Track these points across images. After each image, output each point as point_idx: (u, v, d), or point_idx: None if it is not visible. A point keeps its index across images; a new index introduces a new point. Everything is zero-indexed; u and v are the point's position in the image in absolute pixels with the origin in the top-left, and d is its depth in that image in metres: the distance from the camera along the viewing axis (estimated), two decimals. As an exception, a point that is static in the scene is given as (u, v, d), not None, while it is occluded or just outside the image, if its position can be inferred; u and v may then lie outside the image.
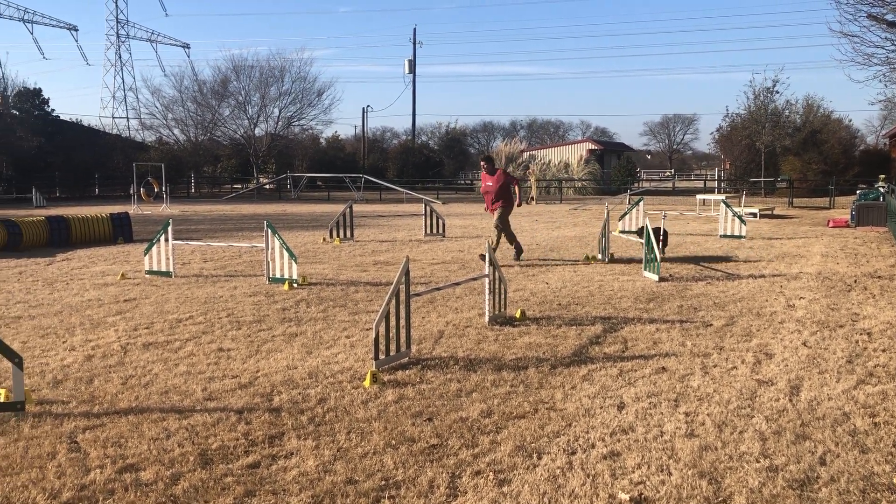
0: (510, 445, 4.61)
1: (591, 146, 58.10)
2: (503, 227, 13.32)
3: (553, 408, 5.34)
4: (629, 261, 13.53)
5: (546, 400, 5.52)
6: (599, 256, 13.76)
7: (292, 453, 4.49)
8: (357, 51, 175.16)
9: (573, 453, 4.50)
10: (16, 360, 5.09)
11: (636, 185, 48.62)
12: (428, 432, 4.83)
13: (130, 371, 6.27)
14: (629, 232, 17.50)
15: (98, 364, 6.49)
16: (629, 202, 24.38)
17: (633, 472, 4.25)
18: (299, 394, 5.64)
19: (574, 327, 7.92)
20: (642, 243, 12.11)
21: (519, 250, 13.63)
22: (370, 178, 45.31)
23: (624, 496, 3.91)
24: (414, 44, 65.40)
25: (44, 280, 11.49)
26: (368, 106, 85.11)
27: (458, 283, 8.94)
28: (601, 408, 5.33)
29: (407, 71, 65.72)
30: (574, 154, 55.44)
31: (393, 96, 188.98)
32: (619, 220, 18.46)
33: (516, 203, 13.67)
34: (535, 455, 4.47)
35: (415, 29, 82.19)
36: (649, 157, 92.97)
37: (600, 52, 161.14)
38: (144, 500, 3.85)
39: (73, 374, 6.15)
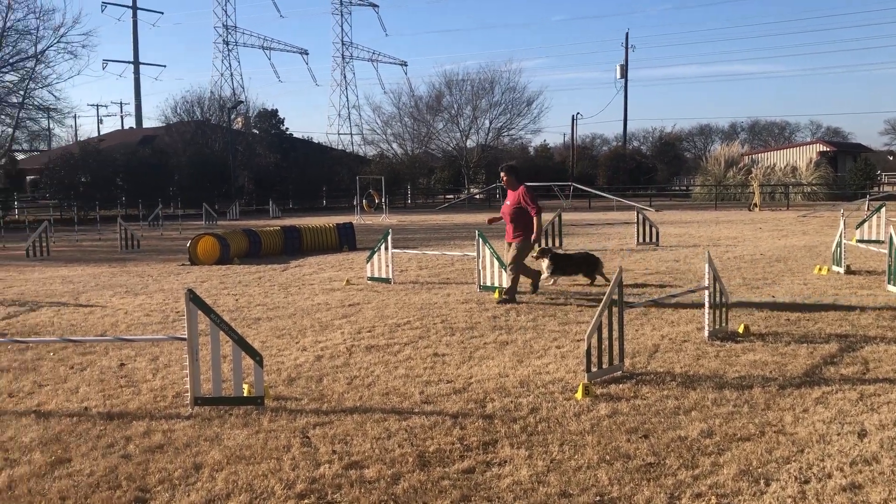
0: (734, 469, 4.33)
1: (823, 147, 53.50)
2: (516, 268, 10.23)
3: (782, 431, 4.94)
4: (869, 273, 12.27)
5: (774, 422, 5.13)
6: (834, 268, 12.61)
7: (506, 461, 4.53)
8: (566, 59, 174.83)
9: (806, 482, 4.14)
10: (257, 358, 5.59)
11: (876, 189, 44.06)
12: (644, 450, 4.67)
13: (355, 372, 6.65)
14: (870, 241, 15.88)
15: (326, 364, 6.95)
16: (869, 208, 22.15)
17: (880, 509, 3.82)
18: (511, 402, 5.68)
19: (805, 345, 7.30)
20: (886, 254, 10.93)
21: (536, 280, 10.93)
22: (579, 186, 44.92)
23: (869, 535, 3.53)
24: (626, 48, 64.09)
25: (279, 285, 12.54)
26: (578, 113, 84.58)
27: (674, 295, 8.58)
28: (838, 434, 4.86)
29: (618, 76, 64.47)
30: (802, 157, 51.37)
31: (603, 102, 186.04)
32: (857, 228, 16.81)
33: (532, 237, 10.16)
34: (762, 481, 4.16)
35: (627, 33, 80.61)
36: (892, 157, 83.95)
37: (832, 47, 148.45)
38: (368, 497, 4.05)
39: (305, 373, 6.64)
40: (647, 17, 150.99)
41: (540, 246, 11.20)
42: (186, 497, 4.08)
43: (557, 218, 18.09)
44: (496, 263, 10.91)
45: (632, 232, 19.50)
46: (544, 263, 11.21)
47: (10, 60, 37.72)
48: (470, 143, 58.91)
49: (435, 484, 4.21)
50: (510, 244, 10.31)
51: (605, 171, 59.17)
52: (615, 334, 6.34)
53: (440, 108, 59.28)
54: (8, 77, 38.38)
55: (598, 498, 4.00)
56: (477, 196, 54.24)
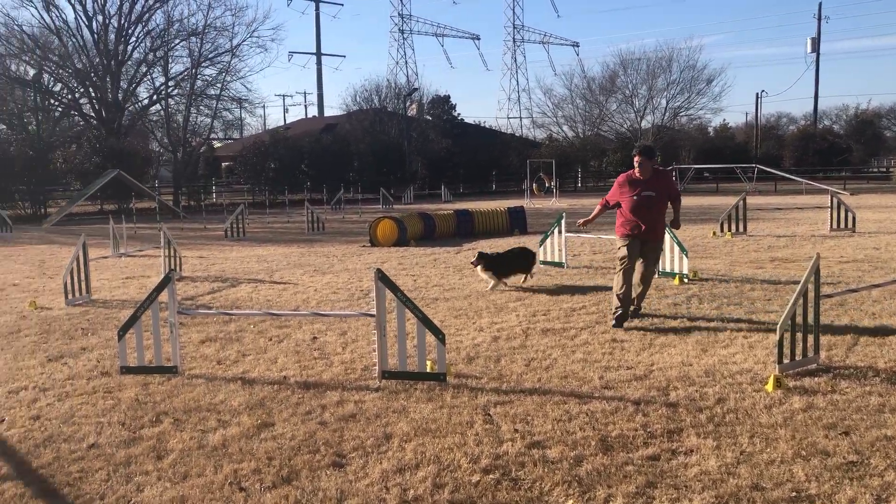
0: (952, 475, 3.96)
1: None
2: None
3: None
4: None
5: None
6: None
7: (692, 450, 4.41)
8: (751, 33, 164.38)
9: None
10: (440, 336, 5.79)
11: None
12: (845, 447, 4.38)
13: (532, 354, 6.71)
14: None
15: (504, 345, 7.06)
16: None
17: None
18: (696, 391, 5.51)
19: None
20: None
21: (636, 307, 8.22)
22: (764, 168, 42.36)
23: None
24: (819, 19, 59.45)
25: (454, 267, 12.84)
26: (763, 91, 79.58)
27: (877, 286, 7.94)
28: None
29: (809, 50, 60.04)
30: None
31: (790, 79, 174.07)
32: None
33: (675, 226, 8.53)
34: None
35: (820, 3, 74.46)
36: None
37: None
38: (552, 477, 4.09)
39: (483, 353, 6.78)
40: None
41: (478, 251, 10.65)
42: (379, 465, 4.32)
43: (741, 202, 17.20)
44: (676, 248, 10.57)
45: (824, 217, 18.18)
46: (482, 272, 10.32)
47: (210, 55, 41.06)
48: (645, 124, 57.21)
49: (619, 469, 4.18)
50: (646, 241, 8.00)
51: (791, 152, 55.40)
52: (810, 324, 5.96)
53: (614, 88, 57.99)
54: (207, 71, 41.81)
55: (794, 494, 3.80)
56: (651, 179, 52.58)
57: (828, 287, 8.72)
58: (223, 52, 41.21)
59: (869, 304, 8.43)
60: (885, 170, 56.06)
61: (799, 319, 5.87)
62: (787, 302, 5.91)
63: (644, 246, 8.00)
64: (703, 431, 4.70)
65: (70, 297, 9.88)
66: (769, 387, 5.48)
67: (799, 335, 5.89)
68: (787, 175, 41.71)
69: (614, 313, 7.74)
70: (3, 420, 5.26)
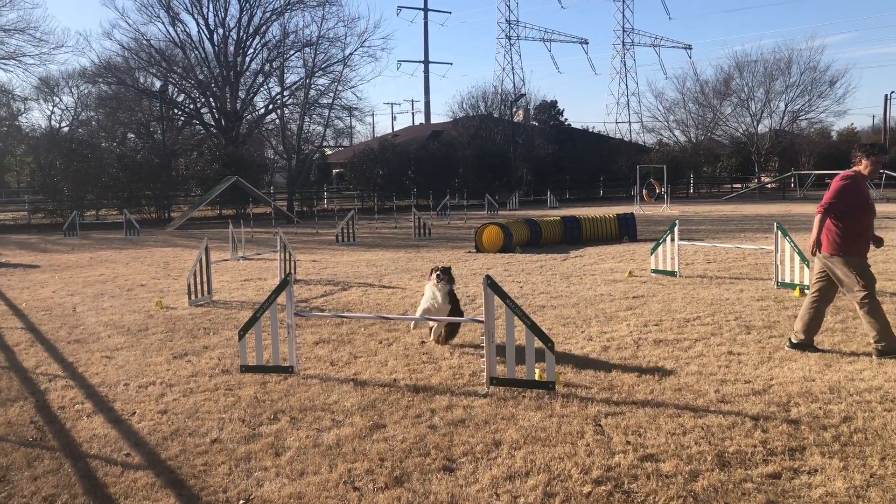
0: None
1: None
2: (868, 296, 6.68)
3: None
4: None
5: None
6: None
7: (816, 470, 4.20)
8: (877, 31, 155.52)
9: None
10: (549, 343, 5.74)
11: None
12: None
13: (644, 364, 6.56)
14: None
15: (614, 355, 6.94)
16: None
17: None
18: (820, 408, 5.25)
19: None
20: None
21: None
22: (892, 174, 39.89)
23: None
24: (955, 14, 55.45)
25: (560, 274, 12.72)
26: (892, 92, 74.81)
27: None
28: None
29: (944, 47, 56.07)
30: None
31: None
32: None
33: (809, 243, 7.08)
34: None
35: (956, -4, 69.47)
36: None
37: None
38: (666, 491, 3.99)
39: (593, 362, 6.69)
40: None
41: None
42: (489, 471, 4.33)
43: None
44: (797, 258, 10.10)
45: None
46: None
47: (323, 66, 42.37)
48: (761, 129, 54.96)
49: (737, 486, 4.03)
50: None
51: (923, 157, 51.82)
52: (949, 342, 5.57)
53: (728, 91, 56.03)
54: (320, 81, 43.15)
55: (932, 523, 3.57)
56: (769, 185, 50.46)
57: (967, 301, 8.12)
58: (335, 62, 42.46)
59: None
60: None
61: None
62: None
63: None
64: (828, 451, 4.47)
65: (193, 297, 10.40)
66: (902, 407, 5.16)
67: (936, 353, 5.51)
68: (919, 181, 39.09)
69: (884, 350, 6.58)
70: (135, 413, 5.60)
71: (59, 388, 6.29)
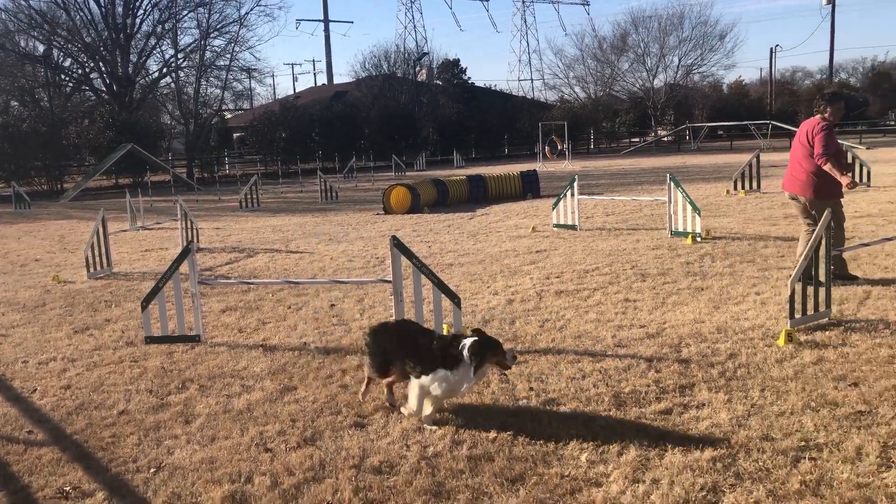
0: (958, 422, 4.06)
1: None
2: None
3: None
4: None
5: None
6: None
7: (703, 404, 4.52)
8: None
9: None
10: (455, 300, 5.89)
11: None
12: (854, 398, 4.47)
13: (546, 315, 6.82)
14: None
15: (518, 308, 7.18)
16: None
17: None
18: (708, 347, 5.61)
19: None
20: None
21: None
22: (778, 124, 41.96)
23: None
24: (833, -31, 58.14)
25: (468, 232, 12.93)
26: (777, 45, 78.19)
27: (889, 239, 7.97)
28: None
29: (824, 2, 58.88)
30: None
31: (805, 32, 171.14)
32: None
33: (845, 181, 7.28)
34: None
35: (834, -48, 72.78)
36: None
37: None
38: (567, 431, 4.21)
39: (498, 315, 6.90)
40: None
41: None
42: (399, 424, 4.46)
43: (755, 159, 17.13)
44: (689, 207, 10.60)
45: (838, 172, 18.05)
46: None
47: (218, 26, 40.89)
48: (657, 83, 56.65)
49: (632, 422, 4.30)
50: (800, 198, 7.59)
51: (807, 108, 54.53)
52: (822, 280, 6.03)
53: (625, 47, 57.38)
54: (216, 42, 41.68)
55: (802, 443, 3.91)
56: (665, 139, 52.17)
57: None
58: (231, 23, 41.06)
59: (882, 258, 8.47)
60: (901, 123, 55.33)
61: (813, 275, 5.94)
62: (800, 258, 5.96)
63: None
64: (714, 386, 4.81)
65: (92, 270, 10.07)
66: (780, 341, 5.58)
67: (810, 290, 5.96)
68: (803, 131, 41.23)
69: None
70: (35, 390, 5.45)
71: (-50, 370, 6.04)
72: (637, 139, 54.76)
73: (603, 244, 10.70)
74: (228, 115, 57.10)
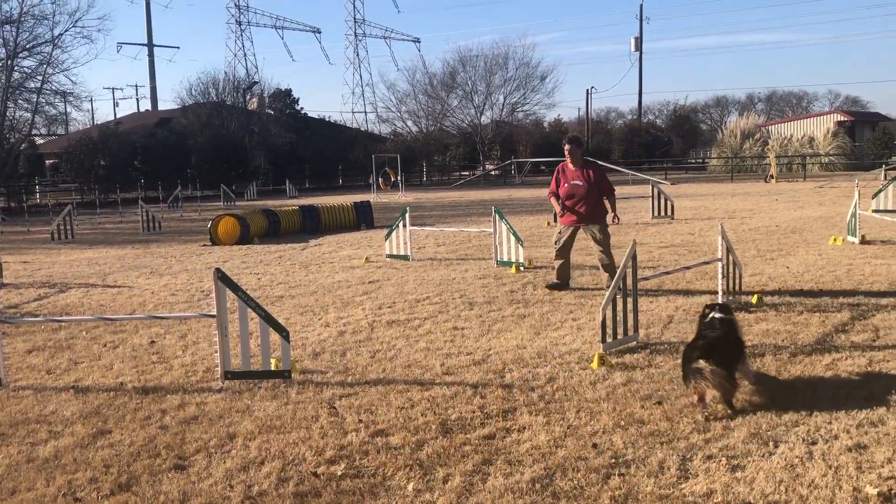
0: (744, 432, 4.50)
1: (840, 117, 53.01)
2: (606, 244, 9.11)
3: (791, 396, 5.11)
4: (884, 243, 12.32)
5: (784, 388, 5.29)
6: (849, 238, 12.67)
7: (525, 427, 4.73)
8: (581, 32, 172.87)
9: (813, 443, 4.31)
10: (283, 333, 5.81)
11: (894, 158, 43.64)
12: (658, 415, 4.85)
13: (377, 346, 6.87)
14: (886, 211, 15.87)
15: (349, 339, 7.18)
16: (885, 178, 22.05)
17: (883, 466, 3.99)
18: (529, 372, 5.88)
19: (817, 314, 7.44)
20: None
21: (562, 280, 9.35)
22: (594, 161, 44.75)
23: (871, 490, 3.70)
24: (640, 20, 63.55)
25: (300, 263, 12.78)
26: (592, 87, 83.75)
27: (688, 267, 8.73)
28: (846, 398, 5.01)
29: (633, 49, 64.02)
30: (820, 127, 50.99)
31: (618, 76, 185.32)
32: (874, 198, 16.76)
33: (611, 219, 9.11)
34: (770, 443, 4.34)
35: (641, 4, 79.23)
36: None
37: (857, 14, 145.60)
38: (394, 462, 4.26)
39: (329, 348, 6.86)
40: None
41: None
42: (223, 464, 4.32)
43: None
44: (513, 239, 11.08)
45: (647, 206, 19.55)
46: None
47: (28, 45, 38.02)
48: (485, 120, 58.85)
49: (457, 449, 4.42)
50: (574, 227, 9.13)
51: (620, 145, 59.02)
52: (630, 306, 6.50)
53: (454, 84, 59.19)
54: (26, 62, 38.70)
55: (612, 460, 4.19)
56: (493, 172, 54.21)
57: (647, 270, 9.47)
58: (43, 43, 38.27)
59: (683, 284, 9.26)
60: (701, 161, 60.80)
61: (620, 302, 6.40)
62: (611, 286, 6.42)
63: (585, 233, 9.15)
64: (534, 409, 5.05)
65: None
66: (594, 364, 5.94)
67: (620, 316, 6.41)
68: (616, 167, 44.36)
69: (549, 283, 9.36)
70: None
71: None
72: (467, 172, 56.54)
73: (434, 274, 10.94)
74: (40, 141, 53.12)
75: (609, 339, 6.29)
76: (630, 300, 6.50)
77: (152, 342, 7.33)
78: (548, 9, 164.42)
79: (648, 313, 7.67)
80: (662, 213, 18.48)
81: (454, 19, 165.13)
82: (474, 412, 5.02)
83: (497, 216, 11.42)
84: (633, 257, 6.50)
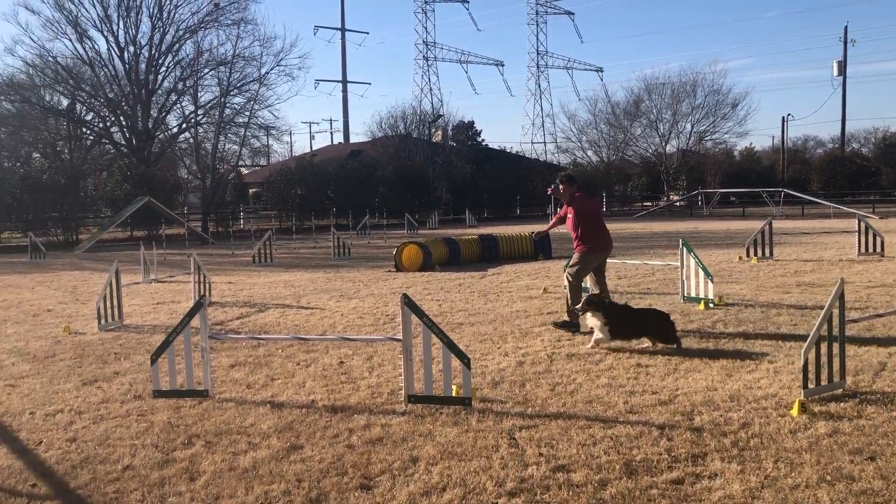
0: (979, 501, 3.96)
1: None
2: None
3: None
4: None
5: None
6: None
7: (716, 474, 4.44)
8: (776, 57, 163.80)
9: None
10: (465, 360, 5.87)
11: None
12: (870, 472, 4.38)
13: (557, 379, 6.76)
14: None
15: (528, 370, 7.12)
16: None
17: None
18: (721, 416, 5.53)
19: None
20: None
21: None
22: (790, 192, 42.08)
23: None
24: (844, 43, 59.19)
25: (479, 291, 12.92)
26: (789, 114, 79.01)
27: (903, 310, 7.90)
28: None
29: (836, 73, 59.69)
30: None
31: (817, 102, 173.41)
32: None
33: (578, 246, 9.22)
34: None
35: (846, 26, 74.12)
36: None
37: None
38: (577, 500, 4.15)
39: (508, 377, 6.84)
40: (870, 5, 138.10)
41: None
42: (406, 487, 4.39)
43: (768, 226, 17.13)
44: (701, 273, 10.57)
45: (852, 241, 18.00)
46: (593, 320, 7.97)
47: (238, 84, 41.77)
48: (670, 149, 57.17)
49: (643, 492, 4.22)
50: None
51: (819, 176, 54.90)
52: (836, 350, 5.96)
53: (638, 113, 58.09)
54: (236, 99, 42.50)
55: (818, 519, 3.83)
56: (677, 203, 52.38)
57: (855, 312, 8.68)
58: (251, 81, 41.89)
59: (897, 329, 8.38)
60: (915, 193, 55.29)
61: (824, 345, 5.88)
62: (813, 327, 5.92)
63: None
64: (727, 456, 4.73)
65: (103, 322, 10.10)
66: (794, 412, 5.49)
67: (825, 360, 5.89)
68: (815, 199, 41.38)
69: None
70: (41, 442, 5.42)
71: (-43, 419, 6.03)
72: (649, 203, 54.97)
73: (614, 308, 10.64)
74: (245, 171, 57.85)
75: (811, 385, 5.79)
76: (836, 344, 5.96)
77: (341, 363, 7.67)
78: (740, 34, 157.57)
79: (857, 359, 7.00)
80: (871, 250, 16.92)
81: (639, 47, 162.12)
82: (661, 454, 4.78)
83: (685, 249, 10.96)
84: (841, 297, 5.96)
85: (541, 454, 4.85)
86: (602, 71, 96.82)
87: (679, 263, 11.13)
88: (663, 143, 57.14)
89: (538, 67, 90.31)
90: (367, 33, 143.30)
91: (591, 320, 7.96)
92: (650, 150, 58.37)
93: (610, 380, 6.66)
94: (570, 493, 4.22)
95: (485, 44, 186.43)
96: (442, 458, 4.82)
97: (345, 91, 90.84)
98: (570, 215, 9.24)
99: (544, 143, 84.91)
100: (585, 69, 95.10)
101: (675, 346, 7.77)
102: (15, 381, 7.31)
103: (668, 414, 5.63)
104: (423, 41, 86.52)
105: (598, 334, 7.91)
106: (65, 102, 43.28)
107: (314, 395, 6.48)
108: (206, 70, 42.32)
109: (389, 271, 17.05)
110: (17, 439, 5.50)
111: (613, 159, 59.25)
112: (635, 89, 59.67)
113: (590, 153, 61.47)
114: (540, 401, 6.08)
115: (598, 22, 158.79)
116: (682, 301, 10.91)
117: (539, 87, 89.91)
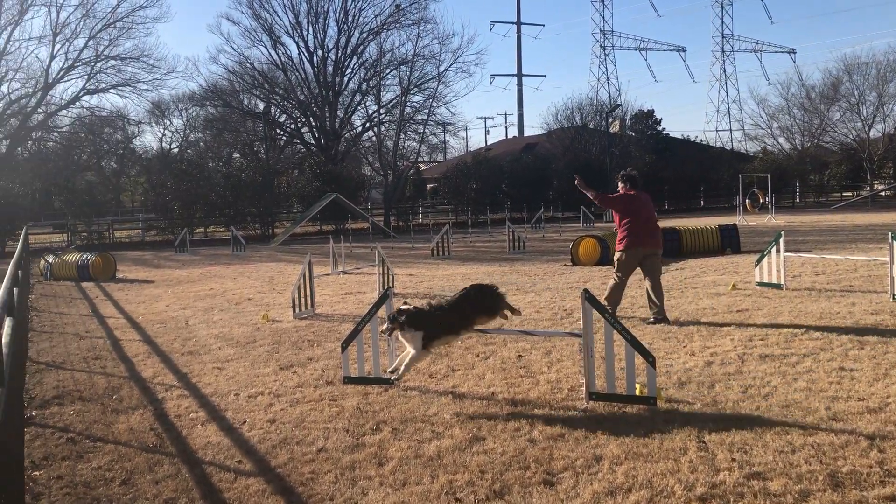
0: None
1: None
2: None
3: None
4: None
5: None
6: None
7: (939, 495, 3.99)
8: None
9: None
10: (650, 358, 5.67)
11: None
12: None
13: (749, 381, 6.37)
14: None
15: (717, 370, 6.77)
16: None
17: None
18: (942, 429, 4.97)
19: None
20: None
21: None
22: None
23: None
24: None
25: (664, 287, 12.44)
26: None
27: None
28: None
29: None
30: None
31: None
32: None
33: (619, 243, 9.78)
34: None
35: None
36: None
37: None
38: (774, 510, 3.88)
39: (696, 378, 6.54)
40: None
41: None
42: (590, 486, 4.32)
43: None
44: (914, 270, 9.57)
45: None
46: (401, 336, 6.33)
47: (418, 83, 43.06)
48: (874, 133, 52.37)
49: (851, 508, 3.88)
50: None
51: None
52: None
53: (837, 96, 53.67)
54: (416, 98, 43.87)
55: None
56: (883, 193, 47.94)
57: None
58: (430, 79, 43.08)
59: None
60: None
61: None
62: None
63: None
64: (951, 474, 4.24)
65: (297, 310, 10.76)
66: None
67: None
68: None
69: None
70: (245, 422, 5.85)
71: (174, 397, 6.65)
72: (850, 193, 50.67)
73: (813, 306, 9.90)
74: (423, 167, 59.59)
75: None
76: None
77: (519, 356, 7.68)
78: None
79: None
80: None
81: (837, 25, 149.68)
82: (871, 467, 4.37)
83: (894, 243, 9.97)
84: None
85: (733, 459, 4.59)
86: (794, 52, 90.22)
87: (888, 259, 10.14)
88: (866, 128, 52.48)
89: (723, 51, 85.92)
90: (543, 25, 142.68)
91: (403, 337, 6.26)
92: (850, 136, 53.77)
93: (809, 383, 6.19)
94: (767, 503, 3.96)
95: (665, 29, 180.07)
96: (627, 458, 4.69)
97: (520, 85, 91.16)
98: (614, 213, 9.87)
99: (730, 130, 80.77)
100: (776, 51, 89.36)
101: (518, 314, 7.26)
102: (222, 364, 7.96)
103: (879, 423, 5.13)
104: (601, 30, 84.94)
105: (409, 350, 6.23)
106: (261, 106, 46.75)
107: (494, 387, 6.54)
108: (388, 70, 44.07)
109: (565, 265, 16.89)
110: (225, 418, 5.98)
111: (808, 146, 55.19)
112: (833, 71, 55.15)
113: (781, 140, 57.73)
114: (731, 403, 5.76)
115: (789, 0, 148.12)
116: (892, 300, 9.94)
117: (724, 71, 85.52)
